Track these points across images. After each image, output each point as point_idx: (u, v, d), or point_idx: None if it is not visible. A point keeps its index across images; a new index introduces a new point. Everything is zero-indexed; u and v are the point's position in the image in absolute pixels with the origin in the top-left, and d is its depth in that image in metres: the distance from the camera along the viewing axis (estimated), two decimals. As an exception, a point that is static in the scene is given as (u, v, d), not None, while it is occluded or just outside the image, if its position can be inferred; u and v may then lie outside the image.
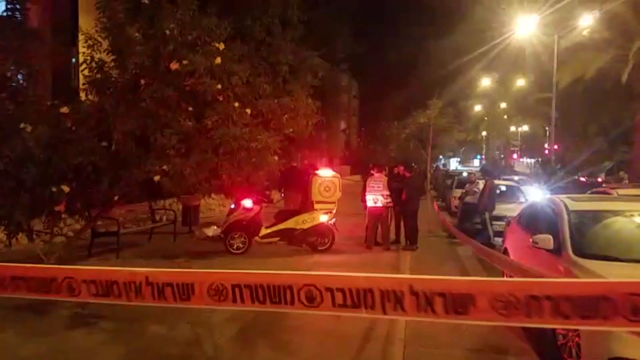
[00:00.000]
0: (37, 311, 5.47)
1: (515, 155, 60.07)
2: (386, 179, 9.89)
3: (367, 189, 9.87)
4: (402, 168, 10.57)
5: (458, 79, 39.62)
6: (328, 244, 9.48)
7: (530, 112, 40.74)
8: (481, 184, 12.28)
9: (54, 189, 5.72)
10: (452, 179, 21.57)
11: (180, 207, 12.22)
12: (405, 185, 10.02)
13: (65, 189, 5.75)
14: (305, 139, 9.54)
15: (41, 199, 5.81)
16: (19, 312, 5.45)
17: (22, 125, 5.40)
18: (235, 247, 9.15)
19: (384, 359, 4.47)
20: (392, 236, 10.23)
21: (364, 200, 10.10)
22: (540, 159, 41.85)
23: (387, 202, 9.75)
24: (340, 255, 9.27)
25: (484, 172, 21.28)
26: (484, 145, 59.63)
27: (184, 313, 5.62)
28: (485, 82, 43.16)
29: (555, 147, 28.80)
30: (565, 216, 5.46)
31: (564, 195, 6.06)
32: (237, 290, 2.33)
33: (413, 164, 11.58)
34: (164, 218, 10.72)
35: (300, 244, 9.48)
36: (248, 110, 6.32)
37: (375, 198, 9.74)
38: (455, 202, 16.08)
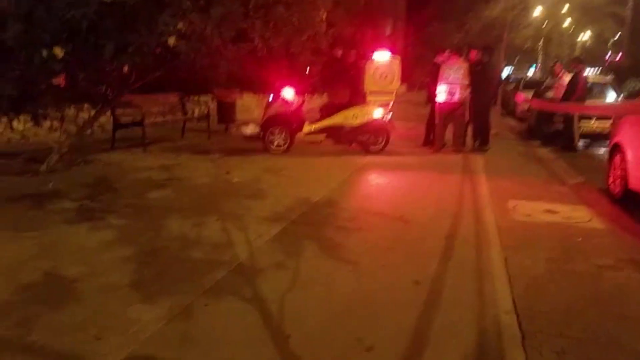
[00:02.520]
0: (35, 202, 4.49)
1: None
2: (467, 65, 8.09)
3: (442, 78, 8.12)
4: (476, 51, 8.67)
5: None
6: (382, 144, 8.07)
7: (598, 14, 35.81)
8: (566, 78, 10.25)
9: (44, 53, 4.47)
10: (514, 83, 19.23)
11: (215, 104, 10.99)
12: (482, 73, 8.23)
13: (58, 52, 4.48)
14: (347, 37, 7.76)
15: (32, 68, 4.61)
16: (12, 203, 4.49)
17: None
18: (275, 144, 7.91)
19: (479, 265, 3.22)
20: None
21: (432, 93, 8.41)
22: (602, 68, 37.53)
23: (465, 95, 8.06)
24: (397, 156, 7.87)
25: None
26: (540, 54, 54.69)
27: (214, 207, 4.51)
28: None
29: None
30: None
31: None
32: None
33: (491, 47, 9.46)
34: (196, 112, 9.51)
35: (349, 143, 8.13)
36: (285, -50, 4.66)
37: (452, 89, 8.02)
38: (523, 107, 14.04)
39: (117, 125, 7.54)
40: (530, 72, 56.67)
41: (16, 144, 7.60)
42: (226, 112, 10.54)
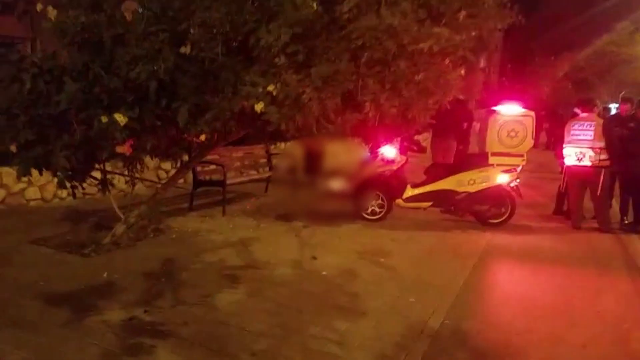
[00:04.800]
0: (77, 309, 3.56)
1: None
2: (601, 121, 6.36)
3: (567, 136, 6.48)
4: (628, 105, 6.84)
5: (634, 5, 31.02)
6: (505, 216, 6.48)
7: None
8: None
9: (103, 119, 3.62)
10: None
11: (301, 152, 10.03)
12: (637, 132, 6.41)
13: (121, 119, 3.61)
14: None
15: (91, 134, 3.79)
16: (51, 307, 3.58)
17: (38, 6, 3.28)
18: (369, 211, 6.65)
19: None
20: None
21: (560, 155, 6.77)
22: None
23: (600, 159, 6.27)
24: (526, 234, 6.25)
25: None
26: (650, 88, 48.76)
27: (296, 332, 3.28)
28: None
29: None
30: None
31: None
32: None
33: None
34: (283, 165, 8.57)
35: (461, 213, 6.63)
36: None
37: (580, 152, 6.33)
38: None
39: (198, 183, 6.74)
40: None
41: (91, 200, 7.08)
42: (313, 162, 9.51)
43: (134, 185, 5.26)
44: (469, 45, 3.66)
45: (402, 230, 6.24)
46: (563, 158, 6.63)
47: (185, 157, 5.98)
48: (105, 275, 4.25)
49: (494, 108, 6.44)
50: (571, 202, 6.70)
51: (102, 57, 3.55)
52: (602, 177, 6.34)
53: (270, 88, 3.53)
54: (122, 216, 5.23)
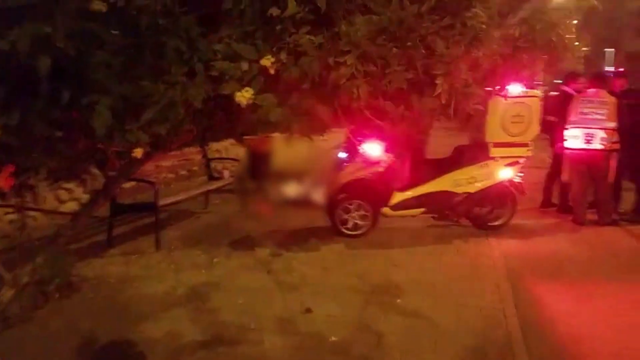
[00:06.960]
0: None
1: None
2: (614, 99, 5.56)
3: (574, 116, 5.62)
4: (623, 80, 6.13)
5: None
6: (506, 218, 5.50)
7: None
8: None
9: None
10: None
11: (243, 153, 8.40)
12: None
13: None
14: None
15: None
16: None
17: None
18: (350, 224, 5.31)
19: None
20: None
21: (558, 138, 5.88)
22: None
23: (611, 142, 5.52)
24: (534, 238, 5.31)
25: None
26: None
27: None
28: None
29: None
30: None
31: None
32: None
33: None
34: (226, 173, 6.91)
35: (457, 218, 5.53)
36: None
37: (589, 133, 5.51)
38: None
39: (117, 208, 4.87)
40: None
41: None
42: (260, 165, 7.93)
43: (24, 227, 3.42)
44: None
45: (396, 248, 4.99)
46: (561, 142, 5.77)
47: (96, 171, 4.19)
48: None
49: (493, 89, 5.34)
50: (574, 193, 5.83)
51: None
52: (612, 162, 5.60)
53: (266, 62, 2.01)
54: (6, 276, 3.36)
